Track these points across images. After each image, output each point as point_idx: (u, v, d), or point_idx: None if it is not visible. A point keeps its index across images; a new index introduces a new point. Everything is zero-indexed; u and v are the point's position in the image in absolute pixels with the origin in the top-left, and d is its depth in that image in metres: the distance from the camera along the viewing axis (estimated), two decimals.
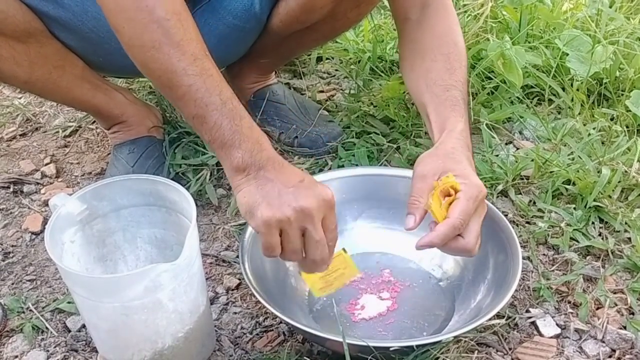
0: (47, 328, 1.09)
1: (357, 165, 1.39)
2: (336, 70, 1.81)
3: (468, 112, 1.08)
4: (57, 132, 1.61)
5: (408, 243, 1.06)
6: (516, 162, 1.39)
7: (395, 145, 1.45)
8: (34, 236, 1.30)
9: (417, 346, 0.92)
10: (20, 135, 1.63)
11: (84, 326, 1.09)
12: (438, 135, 1.04)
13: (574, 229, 1.23)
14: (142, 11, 0.88)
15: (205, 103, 0.88)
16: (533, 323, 1.08)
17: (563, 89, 1.60)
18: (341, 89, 1.73)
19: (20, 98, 1.73)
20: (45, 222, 1.33)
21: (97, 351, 1.03)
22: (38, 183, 1.45)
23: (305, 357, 1.00)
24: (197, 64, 0.88)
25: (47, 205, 1.37)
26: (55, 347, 1.06)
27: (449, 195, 0.94)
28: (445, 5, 1.19)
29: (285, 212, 0.85)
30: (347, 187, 1.20)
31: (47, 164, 1.51)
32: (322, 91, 1.72)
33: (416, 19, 1.19)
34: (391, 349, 0.90)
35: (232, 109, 0.89)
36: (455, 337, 0.95)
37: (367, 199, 1.20)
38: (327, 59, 1.85)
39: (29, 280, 1.20)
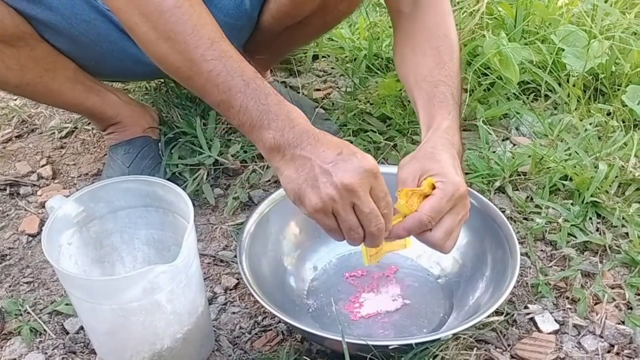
0: (45, 330, 1.09)
1: None
2: (332, 68, 1.81)
3: (459, 105, 1.07)
4: (53, 133, 1.61)
5: None
6: (513, 158, 1.39)
7: (392, 143, 1.45)
8: (30, 238, 1.30)
9: (417, 344, 0.92)
10: (15, 136, 1.62)
11: (82, 328, 1.08)
12: (425, 133, 1.04)
13: (572, 225, 1.23)
14: (152, 3, 0.87)
15: (228, 87, 0.86)
16: (532, 319, 1.08)
17: (559, 84, 1.60)
18: (337, 87, 1.73)
19: (15, 99, 1.73)
20: (42, 223, 1.32)
21: (95, 353, 1.03)
22: (34, 185, 1.45)
23: (304, 357, 1.00)
24: (215, 47, 0.86)
25: (43, 207, 1.36)
26: (53, 349, 1.06)
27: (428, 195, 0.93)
28: None
29: (329, 192, 0.83)
30: None
31: (43, 166, 1.50)
32: (318, 89, 1.72)
33: (408, 12, 1.18)
34: (390, 347, 0.90)
35: (256, 89, 0.86)
36: (454, 334, 0.95)
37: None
38: (323, 57, 1.84)
39: (26, 283, 1.19)
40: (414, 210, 0.92)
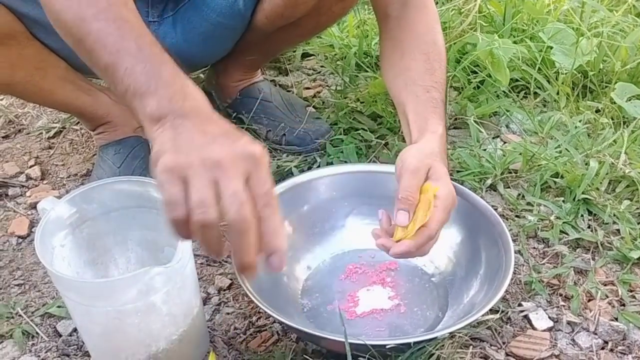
0: (37, 333, 1.08)
1: (346, 162, 1.39)
2: (322, 66, 1.80)
3: (445, 114, 1.09)
4: (41, 133, 1.59)
5: None
6: (504, 156, 1.39)
7: (383, 141, 1.45)
8: (20, 240, 1.28)
9: (414, 343, 0.92)
10: (3, 137, 1.60)
11: (75, 330, 1.07)
12: (417, 135, 1.04)
13: (564, 222, 1.23)
14: None
15: (117, 49, 0.77)
16: (526, 317, 1.08)
17: (548, 82, 1.61)
18: (327, 86, 1.72)
19: (1, 99, 1.70)
20: (31, 225, 1.31)
21: (89, 355, 1.02)
22: (23, 186, 1.43)
23: (303, 356, 0.99)
24: (112, 10, 0.79)
25: (33, 208, 1.35)
26: (46, 352, 1.05)
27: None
28: (426, 3, 1.20)
29: (190, 159, 0.67)
30: (337, 185, 1.20)
31: (31, 166, 1.48)
32: (308, 88, 1.71)
33: (396, 16, 1.19)
34: (387, 346, 0.90)
35: (150, 55, 0.76)
36: (450, 333, 0.95)
37: (358, 196, 1.20)
38: (312, 55, 1.84)
39: (17, 285, 1.18)
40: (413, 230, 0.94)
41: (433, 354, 0.96)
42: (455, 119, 1.55)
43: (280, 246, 0.68)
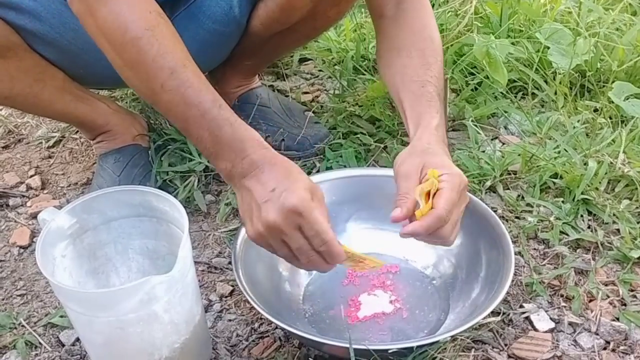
0: (40, 343, 1.08)
1: (345, 166, 1.39)
2: (319, 70, 1.81)
3: (444, 106, 1.10)
4: (41, 143, 1.60)
5: (400, 243, 1.06)
6: (503, 157, 1.39)
7: (382, 145, 1.45)
8: (22, 250, 1.29)
9: (417, 347, 0.92)
10: (2, 147, 1.61)
11: (77, 340, 1.08)
12: (413, 131, 1.05)
13: (564, 223, 1.23)
14: (116, 32, 0.90)
15: (184, 117, 0.91)
16: (527, 318, 1.08)
17: (546, 82, 1.61)
18: (325, 90, 1.73)
19: (1, 110, 1.71)
20: (32, 235, 1.31)
21: None
22: (23, 196, 1.43)
23: None
24: (174, 77, 0.89)
25: (34, 218, 1.35)
26: None
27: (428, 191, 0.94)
28: (421, 0, 1.20)
29: (258, 229, 0.89)
30: (337, 190, 1.20)
31: (31, 176, 1.49)
32: (306, 92, 1.71)
33: (392, 15, 1.20)
34: (390, 351, 0.90)
35: (211, 120, 0.90)
36: (452, 336, 0.95)
37: (357, 201, 1.20)
38: (310, 59, 1.84)
39: (19, 295, 1.18)
40: (428, 208, 0.92)
41: (435, 357, 0.96)
42: (454, 121, 1.55)
43: (335, 263, 0.93)
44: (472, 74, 1.62)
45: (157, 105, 0.94)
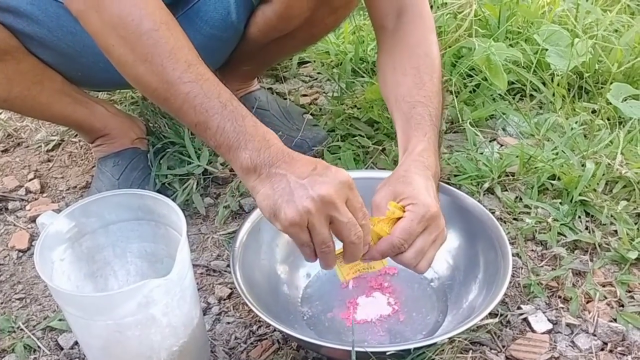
0: (39, 347, 1.08)
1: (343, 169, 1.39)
2: (318, 73, 1.81)
3: (437, 126, 1.08)
4: (40, 146, 1.60)
5: None
6: (501, 159, 1.40)
7: (380, 147, 1.46)
8: (21, 254, 1.29)
9: (414, 349, 0.93)
10: (2, 151, 1.61)
11: (76, 343, 1.08)
12: (401, 155, 1.06)
13: (561, 224, 1.24)
14: (129, 26, 0.88)
15: (205, 108, 0.87)
16: (525, 319, 1.09)
17: (544, 84, 1.62)
18: (324, 92, 1.73)
19: (0, 113, 1.71)
20: (31, 238, 1.32)
21: None
22: (23, 199, 1.44)
23: None
24: (192, 70, 0.88)
25: (33, 221, 1.36)
26: None
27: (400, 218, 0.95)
28: (422, 13, 1.19)
29: (306, 205, 0.84)
30: None
31: (31, 180, 1.49)
32: (305, 95, 1.72)
33: (392, 28, 1.19)
34: (387, 353, 0.91)
35: (232, 110, 0.88)
36: (450, 338, 0.96)
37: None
38: (308, 62, 1.85)
39: (18, 299, 1.19)
40: (387, 233, 0.94)
41: (433, 359, 0.96)
42: (452, 123, 1.56)
43: (368, 241, 0.92)
44: (471, 75, 1.62)
45: (172, 99, 0.89)
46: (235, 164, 0.89)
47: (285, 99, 1.67)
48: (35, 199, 1.44)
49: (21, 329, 1.12)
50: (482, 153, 1.44)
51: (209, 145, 0.91)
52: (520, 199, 1.32)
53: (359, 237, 0.88)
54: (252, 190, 0.89)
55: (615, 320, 1.07)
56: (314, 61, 1.83)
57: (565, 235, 1.23)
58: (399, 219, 0.94)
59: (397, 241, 0.93)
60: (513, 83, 1.64)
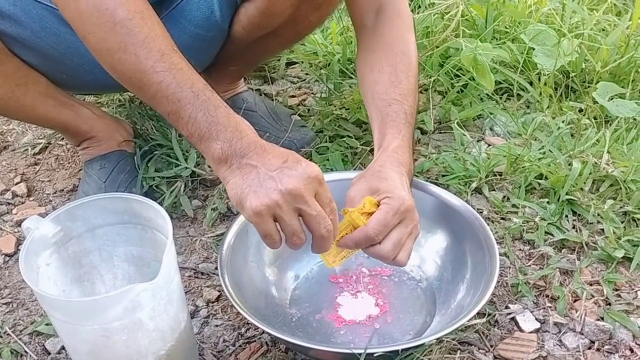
0: (25, 352, 1.08)
1: (331, 169, 1.39)
2: (306, 74, 1.81)
3: (412, 124, 1.10)
4: (27, 150, 1.59)
5: None
6: (488, 158, 1.40)
7: (369, 148, 1.45)
8: (7, 258, 1.28)
9: (402, 350, 0.93)
10: None
11: (63, 348, 1.07)
12: (377, 152, 1.07)
13: (549, 223, 1.24)
14: (104, 15, 0.88)
15: (177, 98, 0.88)
16: (513, 319, 1.09)
17: (531, 83, 1.62)
18: (312, 93, 1.73)
19: None
20: (18, 242, 1.31)
21: None
22: (9, 203, 1.43)
23: None
24: (165, 59, 0.88)
25: (19, 225, 1.35)
26: None
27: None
28: (400, 12, 1.21)
29: (272, 197, 0.84)
30: None
31: (17, 183, 1.48)
32: (293, 96, 1.72)
33: (371, 26, 1.20)
34: (375, 354, 0.91)
35: (205, 100, 0.88)
36: (437, 338, 0.96)
37: (344, 204, 1.20)
38: (296, 63, 1.84)
39: (4, 304, 1.18)
40: (364, 224, 0.95)
41: None
42: (440, 123, 1.56)
43: (341, 240, 0.96)
44: (458, 75, 1.63)
45: (145, 88, 0.89)
46: (207, 154, 0.90)
47: (273, 100, 1.67)
48: (22, 203, 1.43)
49: (8, 334, 1.11)
50: (469, 153, 1.44)
51: (182, 134, 0.91)
52: (508, 198, 1.33)
53: (329, 231, 0.89)
54: (223, 180, 0.90)
55: (602, 318, 1.08)
56: (302, 62, 1.82)
57: (552, 235, 1.23)
58: (372, 213, 0.95)
59: (372, 232, 0.94)
60: (500, 83, 1.65)
